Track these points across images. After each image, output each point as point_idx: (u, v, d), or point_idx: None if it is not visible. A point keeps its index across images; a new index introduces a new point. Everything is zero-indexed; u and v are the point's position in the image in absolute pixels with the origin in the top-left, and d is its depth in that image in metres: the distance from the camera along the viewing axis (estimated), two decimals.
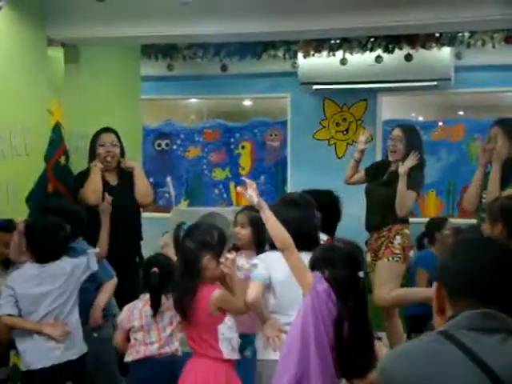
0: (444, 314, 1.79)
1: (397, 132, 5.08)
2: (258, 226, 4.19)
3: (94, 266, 4.04)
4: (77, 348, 3.91)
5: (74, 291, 3.93)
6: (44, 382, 3.80)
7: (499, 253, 1.78)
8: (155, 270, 3.85)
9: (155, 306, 3.85)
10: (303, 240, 3.24)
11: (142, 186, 5.09)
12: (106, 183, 5.01)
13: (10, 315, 3.78)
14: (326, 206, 4.32)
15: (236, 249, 4.22)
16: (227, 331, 3.33)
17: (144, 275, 3.95)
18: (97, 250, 4.23)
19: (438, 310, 1.82)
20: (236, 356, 3.39)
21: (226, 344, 3.33)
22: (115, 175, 5.13)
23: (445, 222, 5.87)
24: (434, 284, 1.84)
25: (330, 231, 4.40)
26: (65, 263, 3.91)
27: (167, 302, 3.87)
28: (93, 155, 5.08)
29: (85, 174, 5.03)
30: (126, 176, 5.12)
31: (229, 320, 3.35)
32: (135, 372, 3.88)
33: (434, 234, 5.77)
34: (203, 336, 3.32)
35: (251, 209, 4.43)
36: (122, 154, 5.17)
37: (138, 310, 3.91)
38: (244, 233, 4.21)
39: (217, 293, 3.31)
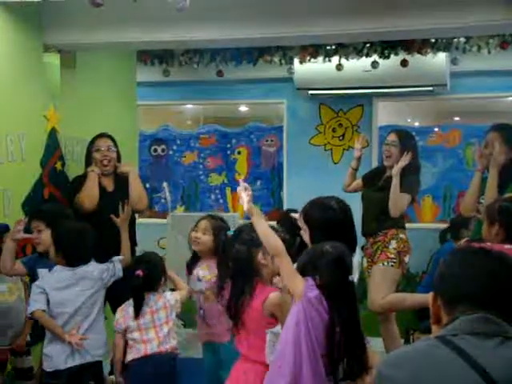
0: (440, 324, 1.79)
1: (391, 137, 5.09)
2: (219, 235, 4.22)
3: (120, 272, 4.19)
4: (102, 350, 4.05)
5: (101, 296, 4.07)
6: (70, 381, 3.91)
7: (494, 262, 1.80)
8: (139, 272, 3.94)
9: (137, 307, 3.92)
10: None
11: (136, 191, 5.07)
12: (102, 189, 5.00)
13: (43, 311, 3.90)
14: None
15: (197, 258, 4.25)
16: (274, 338, 3.22)
17: (128, 275, 4.04)
18: (121, 257, 4.30)
19: (435, 320, 1.83)
20: None
21: (270, 350, 3.28)
22: (112, 181, 5.12)
23: (471, 220, 5.88)
24: (430, 294, 1.85)
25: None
26: (93, 267, 4.04)
27: (162, 299, 3.96)
28: (89, 160, 5.07)
29: (81, 179, 5.02)
30: (122, 182, 5.10)
31: (279, 327, 3.21)
32: (137, 371, 3.91)
33: (460, 230, 5.92)
34: (251, 339, 3.27)
35: (215, 217, 4.47)
36: (119, 159, 5.16)
37: (132, 310, 3.94)
38: (204, 239, 4.23)
39: (274, 295, 3.24)
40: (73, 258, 3.99)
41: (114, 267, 4.15)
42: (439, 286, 1.83)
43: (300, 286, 2.82)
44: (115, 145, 5.13)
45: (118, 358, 3.98)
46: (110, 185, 5.10)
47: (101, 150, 5.03)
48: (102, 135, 5.12)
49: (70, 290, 3.92)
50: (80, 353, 3.90)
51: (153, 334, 3.92)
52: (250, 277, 3.29)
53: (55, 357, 3.89)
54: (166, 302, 3.99)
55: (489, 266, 1.78)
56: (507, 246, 3.39)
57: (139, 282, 3.93)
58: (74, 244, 4.01)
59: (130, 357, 3.94)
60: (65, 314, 3.89)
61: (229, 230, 4.48)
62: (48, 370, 3.91)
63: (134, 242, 5.16)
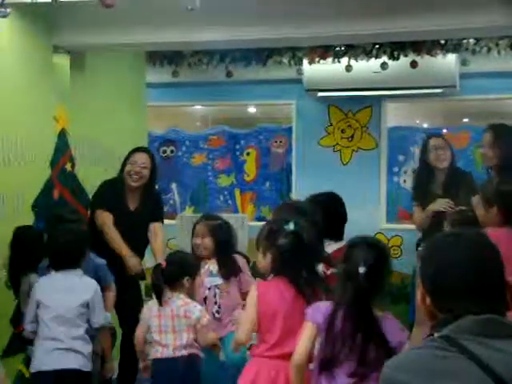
0: (436, 319, 1.79)
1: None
2: (217, 234, 4.22)
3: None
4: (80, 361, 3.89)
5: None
6: None
7: (471, 250, 1.78)
8: (163, 263, 4.00)
9: (159, 298, 3.94)
10: None
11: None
12: (123, 206, 4.95)
13: None
14: (330, 208, 4.27)
15: (199, 258, 4.26)
16: None
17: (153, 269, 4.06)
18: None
19: (430, 317, 1.82)
20: None
21: None
22: (137, 197, 5.02)
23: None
24: (418, 293, 1.84)
25: (337, 235, 4.31)
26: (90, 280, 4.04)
27: (185, 307, 3.91)
28: (122, 169, 4.99)
29: (108, 186, 5.00)
30: (146, 201, 5.02)
31: None
32: (156, 369, 3.95)
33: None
34: None
35: (209, 217, 4.46)
36: (154, 176, 5.07)
37: (156, 308, 3.94)
38: (205, 243, 4.23)
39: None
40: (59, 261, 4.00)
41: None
42: (423, 284, 1.82)
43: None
44: (152, 161, 5.03)
45: (139, 350, 4.05)
46: (133, 202, 5.01)
47: (134, 164, 4.94)
48: (140, 149, 5.08)
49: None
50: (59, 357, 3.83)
51: (171, 340, 3.89)
52: (315, 264, 3.39)
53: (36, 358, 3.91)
54: (188, 311, 3.91)
55: (467, 255, 1.76)
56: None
57: (158, 274, 3.96)
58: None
59: (151, 354, 3.97)
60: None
61: (226, 224, 4.46)
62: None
63: (143, 254, 5.15)
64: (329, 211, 3.96)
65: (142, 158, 4.97)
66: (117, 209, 4.88)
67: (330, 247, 4.37)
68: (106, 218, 4.84)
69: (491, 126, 4.95)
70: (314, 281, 3.24)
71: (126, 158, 5.00)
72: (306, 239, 3.20)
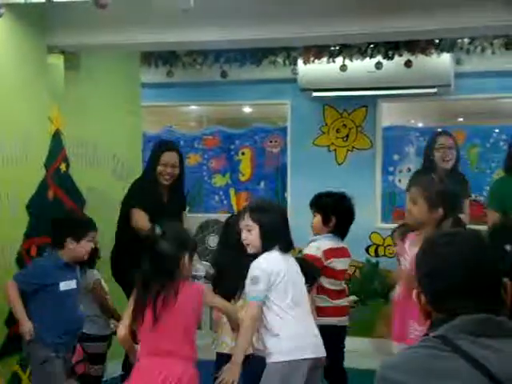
0: (431, 318, 1.79)
1: None
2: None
3: None
4: None
5: None
6: None
7: (468, 249, 1.77)
8: None
9: None
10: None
11: None
12: (159, 199, 5.12)
13: None
14: (340, 208, 4.45)
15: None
16: None
17: None
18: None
19: (426, 316, 1.82)
20: None
21: None
22: (166, 192, 5.20)
23: None
24: (414, 292, 1.84)
25: (343, 233, 4.50)
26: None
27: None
28: (153, 165, 5.14)
29: (139, 185, 5.19)
30: (176, 196, 5.25)
31: None
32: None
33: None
34: None
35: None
36: (182, 171, 5.25)
37: None
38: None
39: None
40: None
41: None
42: (419, 283, 1.82)
43: None
44: (181, 158, 5.22)
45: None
46: (166, 195, 5.20)
47: (166, 165, 5.10)
48: (171, 148, 5.22)
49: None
50: None
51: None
52: None
53: None
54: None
55: (461, 252, 1.76)
56: None
57: None
58: None
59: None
60: None
61: None
62: None
63: None
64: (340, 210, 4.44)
65: (172, 158, 5.13)
66: (152, 204, 5.00)
67: (329, 243, 4.45)
68: (141, 217, 4.96)
69: None
70: None
71: (156, 158, 5.15)
72: None
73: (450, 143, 5.08)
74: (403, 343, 3.48)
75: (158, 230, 3.58)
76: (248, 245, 3.57)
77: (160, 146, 5.33)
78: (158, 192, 5.15)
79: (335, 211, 4.54)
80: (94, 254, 4.74)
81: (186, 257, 3.56)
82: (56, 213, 4.93)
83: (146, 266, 3.51)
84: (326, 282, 4.58)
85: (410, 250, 3.64)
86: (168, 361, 3.43)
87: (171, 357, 3.44)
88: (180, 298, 3.45)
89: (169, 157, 5.13)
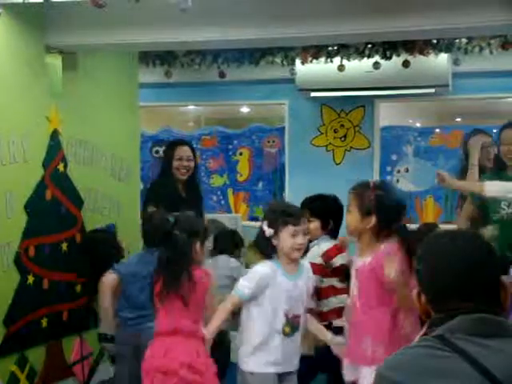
0: (430, 317, 1.79)
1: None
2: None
3: None
4: None
5: None
6: None
7: (468, 250, 1.77)
8: None
9: None
10: None
11: None
12: (178, 195, 5.25)
13: None
14: (331, 210, 4.43)
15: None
16: None
17: None
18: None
19: (425, 315, 1.82)
20: None
21: None
22: (183, 187, 5.34)
23: None
24: (414, 291, 1.85)
25: (336, 235, 4.49)
26: None
27: None
28: (168, 164, 5.31)
29: (160, 186, 5.33)
30: (193, 188, 5.37)
31: None
32: None
33: None
34: None
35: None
36: (196, 166, 5.43)
37: None
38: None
39: None
40: None
41: None
42: (419, 283, 1.82)
43: None
44: (194, 153, 5.40)
45: None
46: (183, 189, 5.34)
47: (182, 159, 5.28)
48: (183, 143, 5.43)
49: None
50: None
51: None
52: None
53: None
54: None
55: (462, 252, 1.76)
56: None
57: None
58: None
59: None
60: None
61: None
62: None
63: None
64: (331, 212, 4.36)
65: (186, 152, 5.32)
66: (171, 199, 5.07)
67: (326, 244, 4.43)
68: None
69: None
70: None
71: (170, 154, 5.34)
72: None
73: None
74: (355, 363, 3.40)
75: (171, 220, 3.83)
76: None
77: (172, 142, 5.57)
78: (176, 187, 5.28)
79: (332, 215, 4.50)
80: (120, 252, 5.02)
81: (198, 244, 3.79)
82: (54, 213, 4.95)
83: (162, 253, 3.78)
84: (335, 281, 4.47)
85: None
86: (182, 339, 3.70)
87: (185, 335, 3.70)
88: (192, 281, 3.69)
89: (183, 151, 5.30)
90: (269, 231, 3.58)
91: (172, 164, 5.29)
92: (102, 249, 5.07)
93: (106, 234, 5.37)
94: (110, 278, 4.40)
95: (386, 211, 3.34)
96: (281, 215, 3.59)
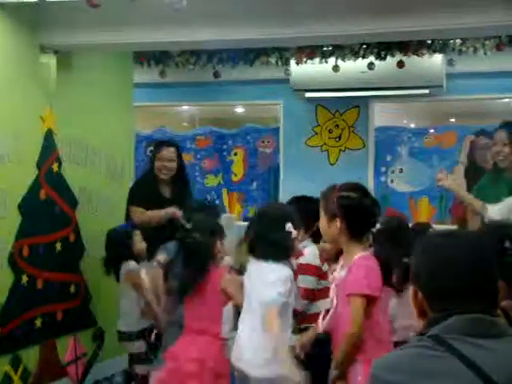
0: (426, 317, 1.79)
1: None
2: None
3: None
4: None
5: None
6: None
7: (468, 250, 1.77)
8: None
9: None
10: None
11: None
12: (162, 196, 5.26)
13: None
14: (314, 213, 4.22)
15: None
16: None
17: None
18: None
19: (419, 313, 1.81)
20: None
21: None
22: (169, 187, 5.34)
23: None
24: (411, 288, 1.84)
25: (317, 240, 4.31)
26: None
27: None
28: (151, 166, 5.35)
29: (141, 186, 5.37)
30: (178, 189, 5.34)
31: None
32: None
33: None
34: None
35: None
36: (182, 165, 5.40)
37: None
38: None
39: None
40: None
41: None
42: (416, 281, 1.81)
43: None
44: (178, 154, 5.37)
45: None
46: (167, 191, 5.33)
47: (162, 160, 5.27)
48: (168, 144, 5.41)
49: None
50: None
51: None
52: None
53: None
54: None
55: (462, 252, 1.75)
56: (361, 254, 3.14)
57: None
58: None
59: None
60: None
61: None
62: None
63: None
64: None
65: (168, 153, 5.29)
66: (154, 199, 5.18)
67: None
68: (137, 212, 5.15)
69: (506, 123, 4.89)
70: None
71: (153, 154, 5.38)
72: None
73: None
74: None
75: (184, 223, 3.97)
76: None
77: (158, 143, 5.55)
78: (157, 187, 5.27)
79: (316, 218, 4.19)
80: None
81: (218, 243, 3.94)
82: (48, 213, 4.94)
83: (182, 255, 3.95)
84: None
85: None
86: (201, 338, 3.80)
87: (203, 334, 3.80)
88: (211, 281, 3.84)
89: (165, 152, 5.28)
90: (295, 233, 3.56)
91: (154, 164, 5.30)
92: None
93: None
94: (154, 272, 4.53)
95: (352, 215, 3.16)
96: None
